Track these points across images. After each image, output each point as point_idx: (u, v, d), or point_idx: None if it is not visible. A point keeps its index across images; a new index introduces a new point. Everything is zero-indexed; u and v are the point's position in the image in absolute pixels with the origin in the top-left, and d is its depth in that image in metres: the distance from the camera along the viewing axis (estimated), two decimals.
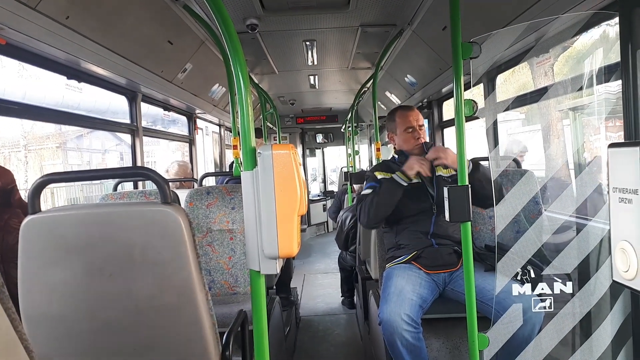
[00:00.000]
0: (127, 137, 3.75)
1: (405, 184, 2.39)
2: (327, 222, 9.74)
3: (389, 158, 2.79)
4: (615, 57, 1.83)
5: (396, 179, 2.40)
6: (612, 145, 1.00)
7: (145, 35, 2.88)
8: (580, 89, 2.13)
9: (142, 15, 2.72)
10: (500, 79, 3.40)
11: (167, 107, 4.39)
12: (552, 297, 1.66)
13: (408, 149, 2.59)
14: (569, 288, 1.63)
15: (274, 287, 3.10)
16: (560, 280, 1.64)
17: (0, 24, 1.86)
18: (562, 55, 3.07)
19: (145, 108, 3.83)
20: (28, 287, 1.29)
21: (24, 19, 1.92)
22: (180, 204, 1.38)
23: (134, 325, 1.35)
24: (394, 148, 2.72)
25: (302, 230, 8.38)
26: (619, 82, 1.74)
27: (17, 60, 2.36)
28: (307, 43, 4.05)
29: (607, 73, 1.91)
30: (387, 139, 2.84)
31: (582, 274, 1.68)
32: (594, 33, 2.20)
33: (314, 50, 4.30)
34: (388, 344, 2.12)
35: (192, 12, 2.95)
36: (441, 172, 2.52)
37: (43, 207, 1.32)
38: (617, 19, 1.73)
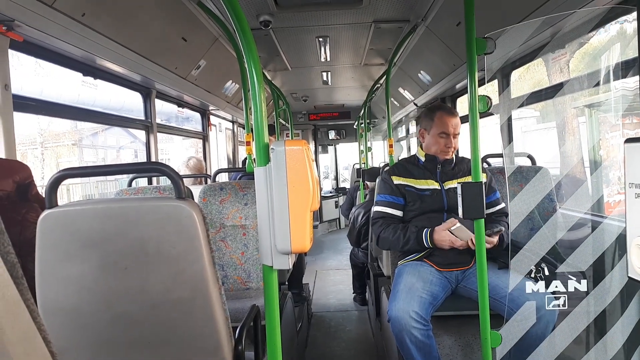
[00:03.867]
0: (141, 135, 3.79)
1: (429, 247, 2.34)
2: (339, 218, 9.73)
3: (408, 156, 2.72)
4: (633, 52, 1.80)
5: (425, 242, 2.32)
6: (628, 141, 0.99)
7: (159, 32, 2.90)
8: (597, 85, 2.10)
9: (156, 13, 2.74)
10: (515, 75, 3.37)
11: (181, 103, 4.42)
12: (566, 295, 1.65)
13: (435, 154, 2.50)
14: (583, 286, 1.62)
15: (286, 283, 3.11)
16: (575, 278, 1.63)
17: (17, 21, 1.89)
18: (579, 52, 3.03)
19: (159, 105, 3.86)
20: (45, 280, 1.31)
21: (40, 16, 1.94)
22: (194, 200, 1.40)
23: (148, 318, 1.36)
24: (420, 146, 2.60)
25: (314, 227, 8.39)
26: (637, 77, 1.71)
27: (33, 58, 2.39)
28: (320, 39, 4.06)
29: (624, 69, 1.89)
30: (418, 134, 2.65)
31: (597, 272, 1.67)
32: (611, 28, 2.18)
33: (327, 47, 4.30)
34: (397, 341, 2.11)
35: (206, 9, 2.97)
36: (451, 184, 2.45)
37: (59, 203, 1.34)
38: (634, 14, 1.70)
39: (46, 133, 14.17)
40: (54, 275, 1.31)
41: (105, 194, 11.17)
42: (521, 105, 3.29)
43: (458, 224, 2.26)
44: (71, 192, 10.27)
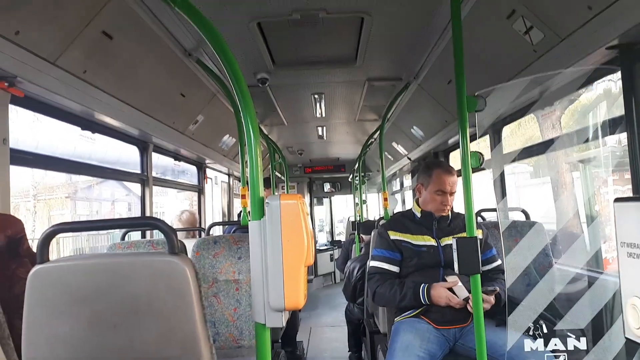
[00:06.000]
0: (135, 187, 3.78)
1: (426, 304, 2.31)
2: (334, 272, 9.59)
3: (405, 209, 2.70)
4: (619, 111, 1.85)
5: (421, 298, 2.29)
6: (617, 200, 1.00)
7: (158, 88, 2.97)
8: (586, 141, 2.14)
9: (156, 69, 2.81)
10: (506, 130, 3.44)
11: (177, 157, 4.45)
12: (566, 354, 1.61)
13: (430, 210, 2.48)
14: (582, 344, 1.58)
15: (280, 341, 3.02)
16: (574, 336, 1.59)
17: (19, 77, 1.92)
18: (569, 108, 3.11)
19: (155, 157, 3.88)
20: (32, 338, 1.27)
21: (43, 73, 1.99)
22: (187, 254, 1.38)
23: None
24: (417, 201, 2.58)
25: (309, 281, 8.26)
26: (624, 134, 1.75)
27: (32, 112, 2.41)
28: (316, 96, 4.15)
29: (612, 126, 1.93)
30: (415, 187, 2.63)
31: (596, 329, 1.63)
32: (598, 87, 2.24)
33: (322, 103, 4.39)
34: None
35: (204, 66, 3.05)
36: (447, 241, 2.42)
37: (50, 257, 1.32)
38: (619, 74, 1.76)
39: (40, 185, 14.14)
40: (42, 333, 1.27)
41: (96, 247, 11.00)
42: (513, 161, 3.33)
43: (460, 284, 2.24)
44: (61, 245, 10.10)
